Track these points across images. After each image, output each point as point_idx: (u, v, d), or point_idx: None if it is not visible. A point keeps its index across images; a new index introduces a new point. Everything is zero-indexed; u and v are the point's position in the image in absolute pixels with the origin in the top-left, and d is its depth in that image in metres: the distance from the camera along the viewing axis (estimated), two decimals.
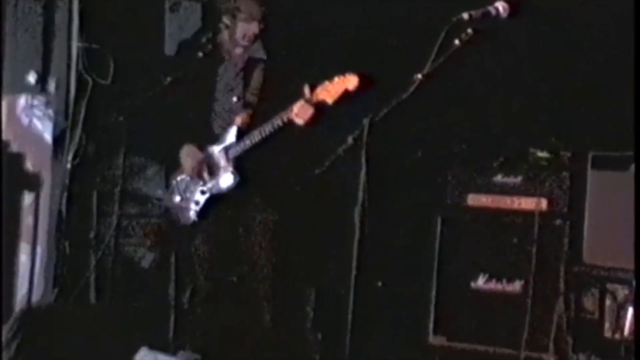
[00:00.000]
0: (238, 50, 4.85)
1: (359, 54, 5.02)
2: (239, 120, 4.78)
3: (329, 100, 4.52)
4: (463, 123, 5.04)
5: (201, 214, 4.88)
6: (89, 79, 5.39)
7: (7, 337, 5.05)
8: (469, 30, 4.22)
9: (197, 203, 4.86)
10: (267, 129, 4.65)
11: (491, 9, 4.24)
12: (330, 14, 5.18)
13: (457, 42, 4.23)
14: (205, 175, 4.81)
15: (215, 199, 4.87)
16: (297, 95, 4.61)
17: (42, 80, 5.51)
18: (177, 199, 4.96)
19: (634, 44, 4.32)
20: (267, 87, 4.83)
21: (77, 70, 5.41)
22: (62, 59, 5.49)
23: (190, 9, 5.49)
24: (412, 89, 4.32)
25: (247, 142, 4.71)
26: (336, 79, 4.50)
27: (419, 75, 4.30)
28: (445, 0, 4.57)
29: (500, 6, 4.24)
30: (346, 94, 4.50)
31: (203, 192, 4.85)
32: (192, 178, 4.87)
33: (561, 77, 4.86)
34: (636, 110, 4.32)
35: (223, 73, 4.91)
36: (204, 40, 4.91)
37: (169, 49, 5.46)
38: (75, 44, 5.43)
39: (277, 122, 4.62)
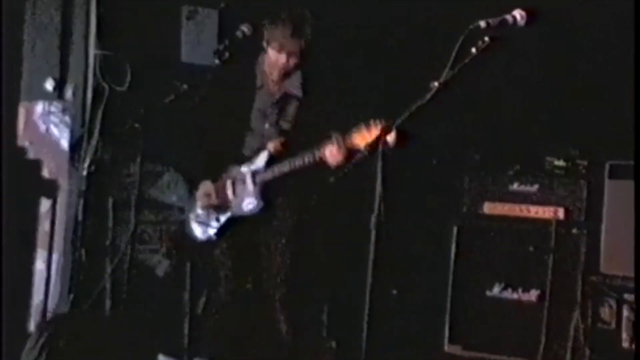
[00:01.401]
0: (274, 81, 4.82)
1: (375, 62, 5.02)
2: (271, 146, 4.75)
3: (363, 149, 4.45)
4: (479, 131, 5.05)
5: (220, 232, 4.85)
6: (106, 86, 5.41)
7: (29, 345, 5.09)
8: (486, 38, 4.20)
9: (217, 220, 4.84)
10: (297, 162, 4.62)
11: (508, 17, 4.22)
12: (349, 25, 5.19)
13: (474, 50, 4.22)
14: (230, 194, 4.79)
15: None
16: (333, 127, 4.56)
17: (59, 87, 5.52)
18: (199, 212, 4.92)
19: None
20: (303, 117, 4.79)
21: (94, 78, 5.43)
22: (79, 66, 5.51)
23: (207, 16, 5.51)
24: (428, 96, 4.30)
25: (276, 171, 4.68)
26: (372, 126, 4.43)
27: (436, 83, 4.28)
28: (463, 8, 4.57)
29: (518, 14, 4.21)
30: (381, 145, 4.43)
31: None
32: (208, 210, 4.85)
33: (579, 86, 4.86)
34: (636, 118, 4.32)
35: (258, 99, 4.87)
36: (220, 47, 4.90)
37: (186, 56, 5.48)
38: (92, 51, 5.45)
39: (309, 158, 4.59)
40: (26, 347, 5.12)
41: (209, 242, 4.87)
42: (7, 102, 5.39)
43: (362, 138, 4.45)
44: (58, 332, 5.15)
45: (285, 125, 4.78)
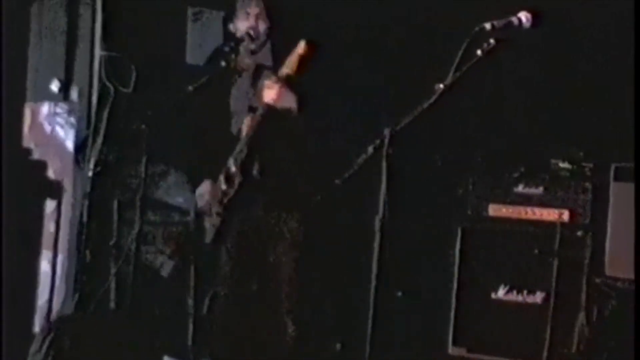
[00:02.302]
0: (249, 60, 4.85)
1: (379, 63, 5.02)
2: (244, 127, 4.78)
3: (291, 72, 4.52)
4: (484, 133, 5.03)
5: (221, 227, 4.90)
6: (111, 88, 5.42)
7: (34, 347, 5.11)
8: (492, 41, 4.22)
9: (218, 214, 4.87)
10: (255, 120, 4.67)
11: (514, 19, 4.24)
12: (350, 22, 5.19)
13: (479, 52, 4.23)
14: (224, 186, 4.83)
15: (236, 211, 4.87)
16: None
17: (65, 88, 5.54)
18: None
19: None
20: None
21: (100, 79, 5.45)
22: (84, 67, 5.52)
23: (212, 18, 5.51)
24: (433, 98, 4.31)
25: (244, 145, 4.73)
26: (294, 50, 4.50)
27: (441, 85, 4.30)
28: (468, 10, 4.57)
29: (523, 16, 4.23)
30: (303, 62, 4.48)
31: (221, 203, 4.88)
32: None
33: (584, 88, 4.84)
34: (636, 120, 4.31)
35: (238, 86, 4.91)
36: (226, 49, 4.92)
37: (191, 57, 5.48)
38: (98, 53, 5.46)
39: (259, 112, 4.64)
40: (31, 349, 5.13)
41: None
42: (13, 102, 5.42)
43: (288, 65, 4.50)
44: (63, 333, 5.15)
45: (255, 103, 4.81)
